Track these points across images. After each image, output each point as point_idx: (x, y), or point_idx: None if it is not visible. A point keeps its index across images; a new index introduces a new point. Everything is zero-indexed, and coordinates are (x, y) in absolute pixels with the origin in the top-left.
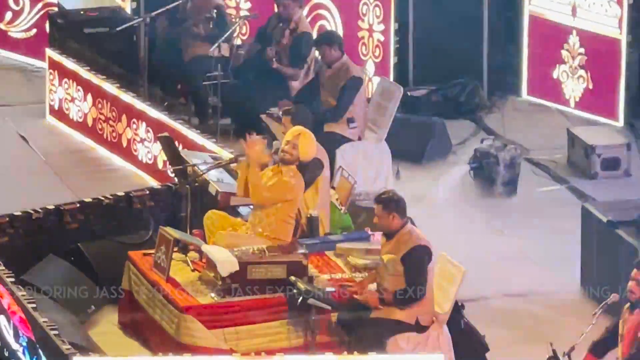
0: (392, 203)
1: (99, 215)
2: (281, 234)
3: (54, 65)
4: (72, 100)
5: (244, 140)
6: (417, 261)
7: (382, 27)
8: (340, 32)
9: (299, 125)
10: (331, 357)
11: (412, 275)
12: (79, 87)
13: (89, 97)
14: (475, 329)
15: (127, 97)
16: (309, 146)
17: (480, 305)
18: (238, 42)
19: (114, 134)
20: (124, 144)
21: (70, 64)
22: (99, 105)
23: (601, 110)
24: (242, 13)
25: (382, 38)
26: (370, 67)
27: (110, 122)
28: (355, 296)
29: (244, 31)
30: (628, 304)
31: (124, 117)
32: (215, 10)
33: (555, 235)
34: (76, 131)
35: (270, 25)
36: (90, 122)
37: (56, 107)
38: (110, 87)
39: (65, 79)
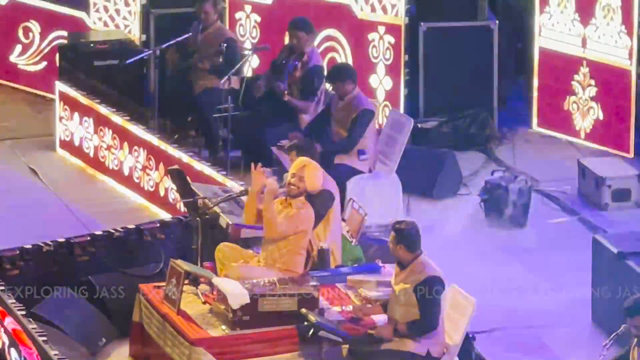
0: (402, 234)
1: (110, 247)
2: (294, 265)
3: (63, 97)
4: (80, 131)
5: (254, 167)
6: (429, 292)
7: (392, 58)
8: (351, 63)
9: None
10: None
11: (425, 306)
12: (88, 119)
13: (98, 128)
14: None
15: (133, 128)
16: (315, 177)
17: (491, 337)
18: (249, 73)
19: (133, 172)
20: (126, 172)
21: (80, 96)
22: (107, 137)
23: (612, 141)
24: (253, 45)
25: (392, 69)
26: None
27: (113, 150)
28: (370, 331)
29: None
30: (635, 340)
31: (125, 145)
32: (225, 45)
33: (566, 267)
34: (86, 164)
35: (282, 57)
36: (99, 154)
37: (65, 140)
38: (120, 120)
39: (75, 112)
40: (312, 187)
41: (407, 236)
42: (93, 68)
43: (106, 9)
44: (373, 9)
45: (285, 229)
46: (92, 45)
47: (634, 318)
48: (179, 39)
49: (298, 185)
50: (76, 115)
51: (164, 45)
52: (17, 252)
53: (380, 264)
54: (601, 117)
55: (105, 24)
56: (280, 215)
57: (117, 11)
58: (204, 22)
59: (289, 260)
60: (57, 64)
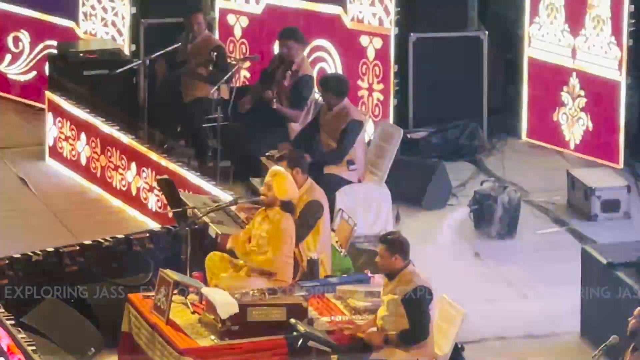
0: (396, 244)
1: (99, 257)
2: (281, 273)
3: (53, 107)
4: (70, 141)
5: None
6: (418, 302)
7: (381, 69)
8: (340, 72)
9: (295, 168)
10: None
11: (414, 317)
12: (78, 129)
13: (86, 139)
14: None
15: (126, 139)
16: (283, 185)
17: (479, 347)
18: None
19: (123, 182)
20: (133, 190)
21: (69, 106)
22: (96, 147)
23: (601, 152)
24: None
25: (382, 82)
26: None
27: (119, 169)
28: (359, 334)
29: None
30: (632, 345)
31: (127, 161)
32: (215, 53)
33: (555, 277)
34: (75, 173)
35: (272, 66)
36: (88, 164)
37: (55, 149)
38: (109, 129)
39: (65, 121)
40: (283, 195)
41: (403, 245)
42: (83, 78)
43: (96, 19)
44: (363, 20)
45: (277, 257)
46: (81, 55)
47: None
48: (169, 49)
49: (267, 194)
50: (66, 124)
51: (153, 55)
52: (6, 261)
53: (370, 274)
54: (590, 127)
55: (96, 34)
56: (261, 230)
57: (107, 21)
58: (195, 32)
59: (276, 267)
60: (47, 74)
